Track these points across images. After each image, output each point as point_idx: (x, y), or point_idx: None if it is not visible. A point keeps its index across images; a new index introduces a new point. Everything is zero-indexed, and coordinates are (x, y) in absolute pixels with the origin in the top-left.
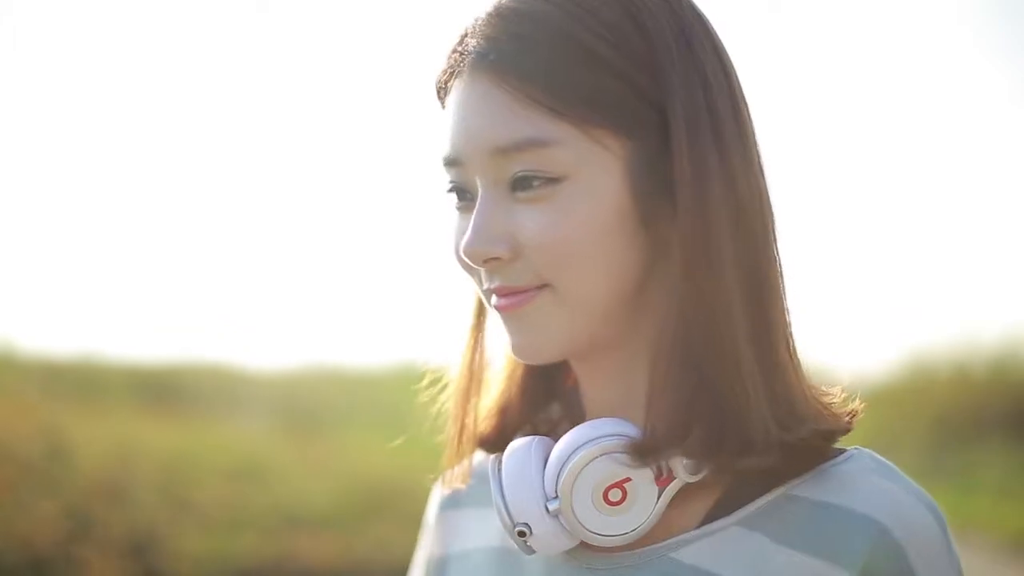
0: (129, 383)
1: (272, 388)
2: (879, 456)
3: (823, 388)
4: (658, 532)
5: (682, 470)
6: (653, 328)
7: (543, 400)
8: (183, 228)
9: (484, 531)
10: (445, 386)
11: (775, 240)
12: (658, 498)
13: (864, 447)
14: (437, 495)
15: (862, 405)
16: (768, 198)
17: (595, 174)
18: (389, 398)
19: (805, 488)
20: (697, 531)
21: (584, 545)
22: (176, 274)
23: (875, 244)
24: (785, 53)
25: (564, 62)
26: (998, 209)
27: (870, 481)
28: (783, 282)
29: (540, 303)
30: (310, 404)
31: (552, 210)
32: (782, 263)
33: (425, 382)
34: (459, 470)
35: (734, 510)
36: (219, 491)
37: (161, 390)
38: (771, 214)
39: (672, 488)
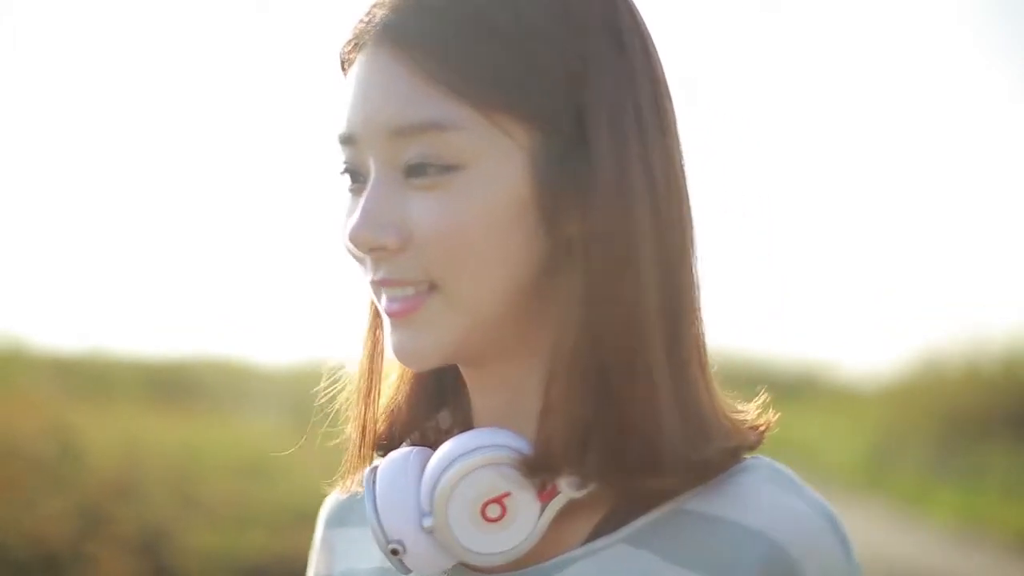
0: (138, 379)
1: (281, 384)
2: (778, 465)
3: (734, 404)
4: (543, 550)
5: (566, 485)
6: (549, 337)
7: (435, 405)
8: (192, 224)
9: (367, 550)
10: (345, 386)
11: (693, 247)
12: (540, 514)
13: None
14: (324, 512)
15: (776, 416)
16: (688, 204)
17: (496, 164)
18: None
19: (697, 501)
20: (581, 549)
21: (465, 564)
22: (185, 270)
23: (886, 244)
24: (787, 53)
25: (473, 40)
26: (1008, 208)
27: (765, 493)
28: (698, 291)
29: (429, 308)
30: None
31: (446, 200)
32: (698, 271)
33: (324, 380)
34: (358, 478)
35: (621, 525)
36: (229, 487)
37: (170, 386)
38: (690, 220)
39: (556, 504)
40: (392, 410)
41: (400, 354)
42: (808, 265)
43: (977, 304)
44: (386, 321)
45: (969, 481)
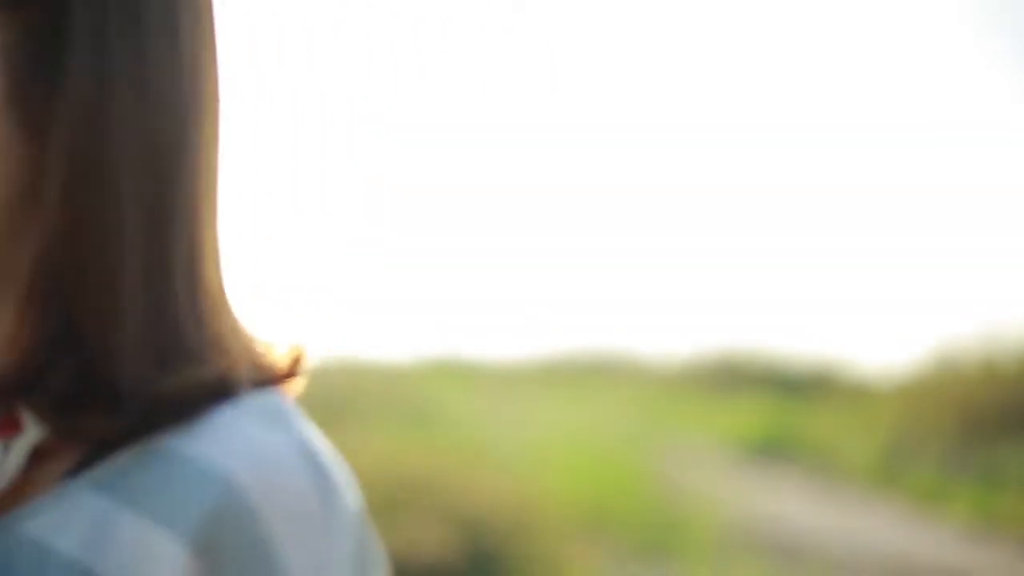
0: None
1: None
2: (274, 400)
3: (249, 337)
4: (19, 498)
5: (32, 420)
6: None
7: None
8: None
9: None
10: None
11: (206, 154)
12: (1, 452)
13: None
14: None
15: (306, 354)
16: (208, 108)
17: None
18: (413, 392)
19: (171, 439)
20: (49, 497)
21: None
22: None
23: (898, 240)
24: (787, 53)
25: None
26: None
27: (239, 429)
28: (203, 205)
29: None
30: (333, 398)
31: None
32: (209, 184)
33: None
34: None
35: (94, 467)
36: None
37: None
38: (204, 124)
39: (24, 442)
40: None
41: None
42: (820, 262)
43: (992, 301)
44: None
45: (986, 479)
